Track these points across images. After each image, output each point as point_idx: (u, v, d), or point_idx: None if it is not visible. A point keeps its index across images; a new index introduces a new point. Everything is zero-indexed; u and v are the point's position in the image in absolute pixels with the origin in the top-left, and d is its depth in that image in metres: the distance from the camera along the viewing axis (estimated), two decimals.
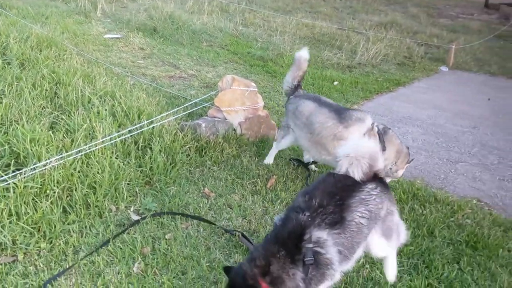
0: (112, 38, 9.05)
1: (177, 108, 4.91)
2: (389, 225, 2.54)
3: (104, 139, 3.96)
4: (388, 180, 4.19)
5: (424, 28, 12.91)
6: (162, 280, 2.80)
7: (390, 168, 4.00)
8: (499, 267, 3.17)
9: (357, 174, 2.34)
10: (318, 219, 2.13)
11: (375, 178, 2.44)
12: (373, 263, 3.09)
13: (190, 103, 5.30)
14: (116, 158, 3.89)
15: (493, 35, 12.36)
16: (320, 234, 2.09)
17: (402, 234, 2.69)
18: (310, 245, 2.04)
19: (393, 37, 10.74)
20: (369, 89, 7.53)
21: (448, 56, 9.86)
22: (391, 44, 10.29)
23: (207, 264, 2.99)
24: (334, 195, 2.27)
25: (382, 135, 3.88)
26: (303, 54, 4.22)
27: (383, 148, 3.87)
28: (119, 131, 4.19)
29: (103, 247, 3.05)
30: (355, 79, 7.98)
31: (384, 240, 2.54)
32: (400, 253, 3.22)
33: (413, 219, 3.69)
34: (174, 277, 2.84)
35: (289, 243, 2.04)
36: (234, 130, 4.93)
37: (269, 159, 4.51)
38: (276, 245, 2.05)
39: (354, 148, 2.40)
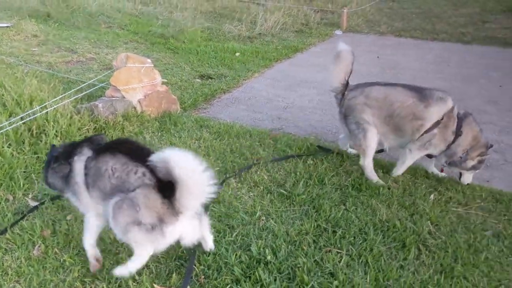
0: (1, 27, 8.56)
1: (70, 92, 4.83)
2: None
3: None
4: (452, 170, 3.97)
5: None
6: (63, 258, 2.85)
7: (460, 157, 3.81)
8: (379, 203, 3.55)
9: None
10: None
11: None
12: (269, 215, 3.34)
13: (84, 84, 5.23)
14: (8, 147, 3.81)
15: None
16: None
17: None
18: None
19: (290, 6, 11.10)
20: (269, 58, 7.81)
21: (341, 20, 10.39)
22: (289, 12, 10.65)
23: (109, 239, 3.06)
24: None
25: (462, 120, 3.74)
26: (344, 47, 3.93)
27: (460, 133, 3.74)
28: (10, 120, 4.08)
29: (0, 236, 3.02)
30: (256, 49, 8.23)
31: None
32: (293, 202, 3.51)
33: (306, 171, 3.99)
34: (76, 254, 2.89)
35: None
36: (134, 108, 4.96)
37: (374, 177, 3.97)
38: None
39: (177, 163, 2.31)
